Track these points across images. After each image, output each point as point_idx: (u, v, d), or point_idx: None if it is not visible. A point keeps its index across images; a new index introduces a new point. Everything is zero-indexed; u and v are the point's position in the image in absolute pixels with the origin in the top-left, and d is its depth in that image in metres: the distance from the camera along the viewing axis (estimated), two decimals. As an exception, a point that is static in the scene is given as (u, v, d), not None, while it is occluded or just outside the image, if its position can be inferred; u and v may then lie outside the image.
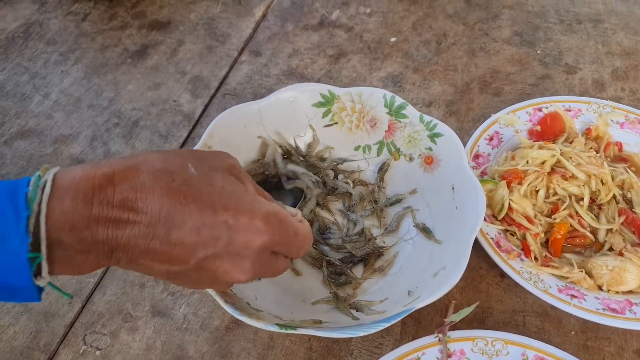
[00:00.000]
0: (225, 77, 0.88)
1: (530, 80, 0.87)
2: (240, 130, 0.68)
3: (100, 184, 0.37)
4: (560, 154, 0.66)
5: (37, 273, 0.36)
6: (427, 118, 0.67)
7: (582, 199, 0.65)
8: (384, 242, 0.67)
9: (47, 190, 0.36)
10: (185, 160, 0.41)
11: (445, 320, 0.56)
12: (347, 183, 0.71)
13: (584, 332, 0.61)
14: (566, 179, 0.66)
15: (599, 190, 0.65)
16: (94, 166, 0.38)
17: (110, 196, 0.37)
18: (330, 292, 0.62)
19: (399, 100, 0.69)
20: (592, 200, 0.66)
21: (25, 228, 0.35)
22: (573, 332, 0.61)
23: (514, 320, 0.62)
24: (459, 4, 1.00)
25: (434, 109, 0.82)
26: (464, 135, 0.76)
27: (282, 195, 0.68)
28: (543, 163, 0.66)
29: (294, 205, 0.66)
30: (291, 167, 0.70)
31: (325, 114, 0.72)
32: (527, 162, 0.66)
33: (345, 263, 0.65)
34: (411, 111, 0.68)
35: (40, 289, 0.37)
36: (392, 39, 0.93)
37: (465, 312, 0.52)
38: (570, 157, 0.66)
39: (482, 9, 0.99)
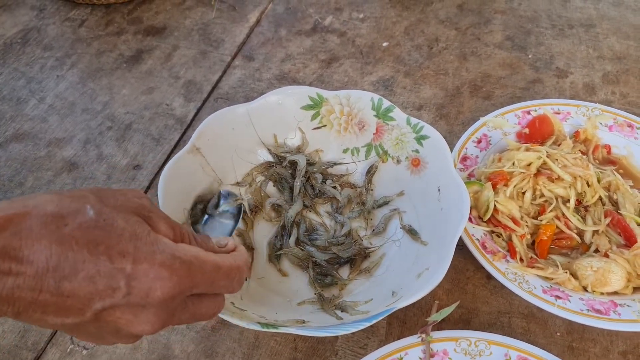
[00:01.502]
0: (218, 82, 0.89)
1: (521, 84, 0.87)
2: (229, 133, 0.69)
3: None
4: (547, 156, 0.66)
5: None
6: (413, 120, 0.68)
7: (569, 200, 0.66)
8: (371, 244, 0.67)
9: None
10: (84, 202, 0.37)
11: (427, 320, 0.56)
12: (334, 188, 0.71)
13: (570, 334, 0.61)
14: (552, 181, 0.66)
15: (584, 191, 0.66)
16: None
17: None
18: (315, 293, 0.63)
19: (386, 103, 0.70)
20: (579, 202, 0.67)
21: None
22: (559, 334, 0.61)
23: (500, 321, 0.62)
24: (452, 10, 1.01)
25: (425, 113, 0.83)
26: (454, 138, 0.76)
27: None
28: (529, 165, 0.67)
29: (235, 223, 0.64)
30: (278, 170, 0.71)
31: (314, 117, 0.73)
32: (513, 164, 0.67)
33: (331, 264, 0.65)
34: (398, 114, 0.69)
35: None
36: (384, 44, 0.94)
37: (446, 311, 0.52)
38: (556, 159, 0.66)
39: (474, 14, 1.00)
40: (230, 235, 0.61)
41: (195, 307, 0.41)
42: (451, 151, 0.66)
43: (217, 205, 0.65)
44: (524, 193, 0.67)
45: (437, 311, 0.55)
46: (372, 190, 0.71)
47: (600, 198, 0.66)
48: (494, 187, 0.66)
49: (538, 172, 0.66)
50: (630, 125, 0.75)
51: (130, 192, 0.41)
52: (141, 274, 0.36)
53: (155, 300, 0.36)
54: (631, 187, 0.68)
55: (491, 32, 0.96)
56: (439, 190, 0.64)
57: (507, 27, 0.97)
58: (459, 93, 0.86)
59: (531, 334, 0.61)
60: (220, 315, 0.51)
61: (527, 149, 0.68)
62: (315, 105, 0.72)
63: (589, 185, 0.66)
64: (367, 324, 0.53)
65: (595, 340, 0.60)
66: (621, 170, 0.73)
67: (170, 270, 0.37)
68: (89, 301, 0.35)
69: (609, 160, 0.74)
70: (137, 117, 0.84)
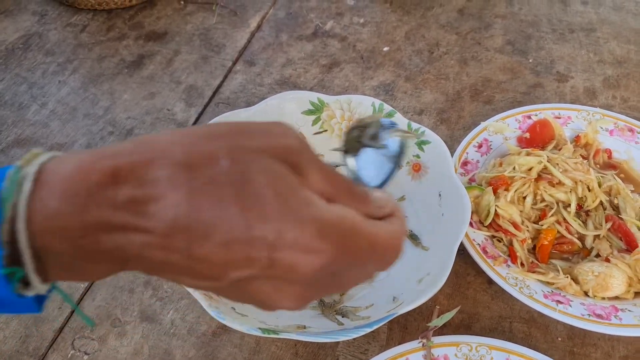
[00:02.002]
0: (219, 87, 0.89)
1: (522, 89, 0.87)
2: (230, 138, 0.69)
3: (98, 181, 0.28)
4: (547, 161, 0.66)
5: (27, 283, 0.29)
6: (415, 125, 0.68)
7: (570, 205, 0.66)
8: (372, 249, 0.67)
9: (27, 187, 0.28)
10: (218, 148, 0.29)
11: (428, 325, 0.56)
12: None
13: (571, 339, 0.61)
14: (553, 186, 0.66)
15: (585, 196, 0.66)
16: (93, 156, 0.29)
17: (112, 197, 0.28)
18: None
19: (387, 108, 0.70)
20: (580, 207, 0.67)
21: None
22: (560, 339, 0.61)
23: (501, 326, 0.62)
24: (452, 14, 1.01)
25: (425, 117, 0.83)
26: (455, 143, 0.76)
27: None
28: (530, 169, 0.67)
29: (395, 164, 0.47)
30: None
31: (315, 122, 0.73)
32: (514, 168, 0.67)
33: (332, 269, 0.65)
34: (399, 118, 0.69)
35: (40, 299, 0.31)
36: (385, 49, 0.94)
37: (448, 316, 0.52)
38: (557, 164, 0.66)
39: (474, 18, 1.00)
40: (385, 182, 0.46)
41: (342, 278, 0.33)
42: (452, 156, 0.66)
43: (374, 137, 0.49)
44: (524, 198, 0.67)
45: (438, 316, 0.55)
46: (373, 195, 0.71)
47: (601, 203, 0.66)
48: (495, 191, 0.66)
49: (539, 177, 0.67)
50: (630, 130, 0.75)
51: (276, 127, 0.32)
52: (286, 245, 0.29)
53: (301, 278, 0.30)
54: (632, 191, 0.68)
55: (492, 36, 0.96)
56: (440, 195, 0.64)
57: (507, 31, 0.97)
58: (459, 98, 0.86)
59: (532, 338, 0.61)
60: (221, 320, 0.51)
61: (528, 154, 0.68)
62: (316, 110, 0.72)
63: (589, 190, 0.66)
64: (368, 330, 0.53)
65: (597, 345, 0.60)
66: (622, 175, 0.73)
67: (320, 243, 0.29)
68: (224, 269, 0.29)
69: (609, 165, 0.74)
70: (139, 122, 0.84)
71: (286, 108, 0.71)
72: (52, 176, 0.28)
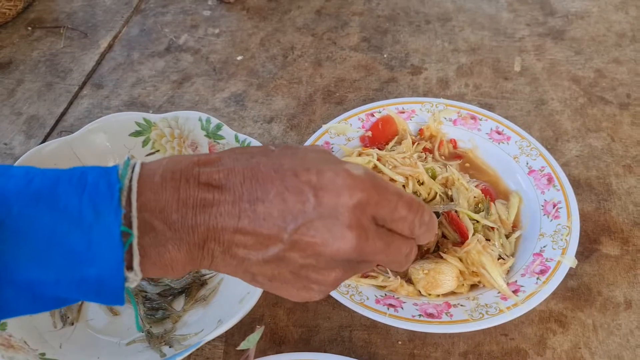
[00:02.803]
0: (62, 114, 0.84)
1: (375, 85, 0.85)
2: (51, 168, 0.65)
3: (186, 166, 0.37)
4: (377, 159, 0.64)
5: (129, 266, 0.34)
6: (241, 137, 0.65)
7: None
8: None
9: (137, 169, 0.36)
10: (268, 145, 0.40)
11: (237, 349, 0.53)
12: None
13: (411, 341, 0.59)
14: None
15: (418, 190, 0.64)
16: (178, 156, 0.38)
17: (196, 176, 0.36)
18: (143, 331, 0.59)
19: (214, 122, 0.67)
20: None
21: (118, 200, 0.34)
22: (400, 342, 0.59)
23: (341, 336, 0.59)
24: (310, 16, 0.99)
25: (275, 125, 0.80)
26: (303, 148, 0.74)
27: None
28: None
29: None
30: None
31: (145, 143, 0.69)
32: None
33: (164, 297, 0.62)
34: (227, 131, 0.66)
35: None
36: (239, 58, 0.91)
37: (255, 337, 0.49)
38: (387, 161, 0.65)
39: (332, 18, 0.98)
40: None
41: (387, 236, 0.39)
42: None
43: None
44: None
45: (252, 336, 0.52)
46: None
47: (436, 195, 0.65)
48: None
49: None
50: (473, 118, 0.74)
51: (340, 180, 0.39)
52: (327, 183, 0.36)
53: (345, 208, 0.36)
54: (475, 178, 0.68)
55: (347, 35, 0.95)
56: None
57: (364, 28, 0.96)
58: (311, 101, 0.83)
59: (372, 345, 0.59)
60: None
61: (360, 154, 0.66)
62: (143, 131, 0.69)
63: (421, 184, 0.64)
64: (179, 358, 0.49)
65: (437, 344, 0.58)
66: (467, 164, 0.72)
67: (355, 178, 0.36)
68: (283, 220, 0.36)
69: (455, 155, 0.73)
70: (-27, 161, 0.79)
71: (111, 132, 0.68)
72: (153, 165, 0.37)
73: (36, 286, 0.33)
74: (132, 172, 0.36)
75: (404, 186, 0.64)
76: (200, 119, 0.67)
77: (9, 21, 1.01)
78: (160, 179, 0.36)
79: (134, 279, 0.35)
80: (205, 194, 0.36)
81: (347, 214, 0.36)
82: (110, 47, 0.96)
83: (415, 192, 0.64)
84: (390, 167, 0.64)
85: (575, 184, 0.70)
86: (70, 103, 0.86)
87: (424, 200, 0.64)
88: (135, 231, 0.34)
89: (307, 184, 0.36)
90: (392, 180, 0.64)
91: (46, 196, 0.34)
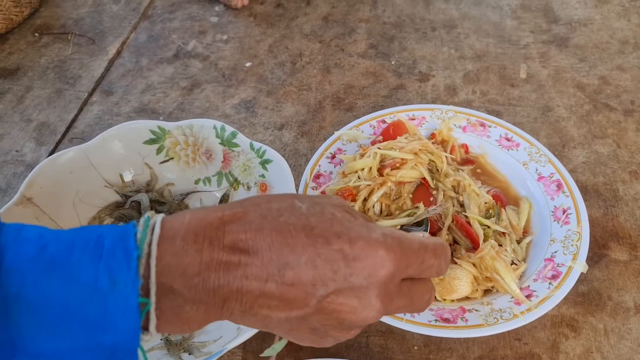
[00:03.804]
0: (73, 121, 0.85)
1: (384, 92, 0.87)
2: (67, 177, 0.66)
3: (209, 225, 0.35)
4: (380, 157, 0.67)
5: (145, 327, 0.33)
6: (257, 145, 0.66)
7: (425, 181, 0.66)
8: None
9: (157, 230, 0.34)
10: (293, 199, 0.38)
11: (261, 356, 0.54)
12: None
13: (427, 346, 0.60)
14: (398, 168, 0.65)
15: (433, 161, 0.66)
16: (201, 211, 0.36)
17: (221, 238, 0.35)
18: (161, 339, 0.60)
19: (229, 130, 0.68)
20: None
21: (136, 270, 0.33)
22: (416, 347, 0.60)
23: (358, 342, 0.60)
24: (317, 22, 1.00)
25: (286, 132, 0.81)
26: (315, 155, 0.75)
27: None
28: (370, 170, 0.66)
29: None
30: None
31: (159, 150, 0.70)
32: (359, 177, 0.66)
33: (182, 304, 0.62)
34: (242, 139, 0.67)
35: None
36: (248, 64, 0.92)
37: (279, 346, 0.50)
38: (392, 147, 0.66)
39: (339, 25, 0.99)
40: None
41: (410, 291, 0.40)
42: (306, 169, 0.65)
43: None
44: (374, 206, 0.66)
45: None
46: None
47: (450, 198, 0.66)
48: (342, 204, 0.64)
49: (382, 168, 0.66)
50: (482, 125, 0.75)
51: (330, 196, 0.41)
52: (360, 253, 0.36)
53: (378, 280, 0.36)
54: (486, 184, 0.69)
55: (355, 41, 0.96)
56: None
57: (370, 35, 0.97)
58: (321, 108, 0.84)
59: (389, 351, 0.60)
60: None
61: (362, 155, 0.67)
62: (158, 138, 0.69)
63: (433, 155, 0.67)
64: (201, 367, 0.50)
65: (452, 349, 0.59)
66: (479, 170, 0.73)
67: (387, 248, 0.36)
68: (313, 287, 0.35)
69: (467, 160, 0.74)
70: (-15, 168, 0.79)
71: (126, 140, 0.68)
72: (175, 223, 0.35)
73: (50, 356, 0.33)
74: (152, 234, 0.34)
75: (418, 163, 0.65)
76: (215, 127, 0.68)
77: (15, 27, 1.01)
78: (182, 242, 0.34)
79: (149, 339, 0.34)
80: (231, 257, 0.34)
81: (378, 285, 0.36)
82: (118, 53, 0.96)
83: (432, 164, 0.67)
84: (397, 150, 0.66)
85: (583, 190, 0.72)
86: (80, 110, 0.86)
87: (441, 170, 0.66)
88: (153, 297, 0.33)
89: (340, 253, 0.35)
90: (403, 162, 0.65)
91: (61, 264, 0.33)
